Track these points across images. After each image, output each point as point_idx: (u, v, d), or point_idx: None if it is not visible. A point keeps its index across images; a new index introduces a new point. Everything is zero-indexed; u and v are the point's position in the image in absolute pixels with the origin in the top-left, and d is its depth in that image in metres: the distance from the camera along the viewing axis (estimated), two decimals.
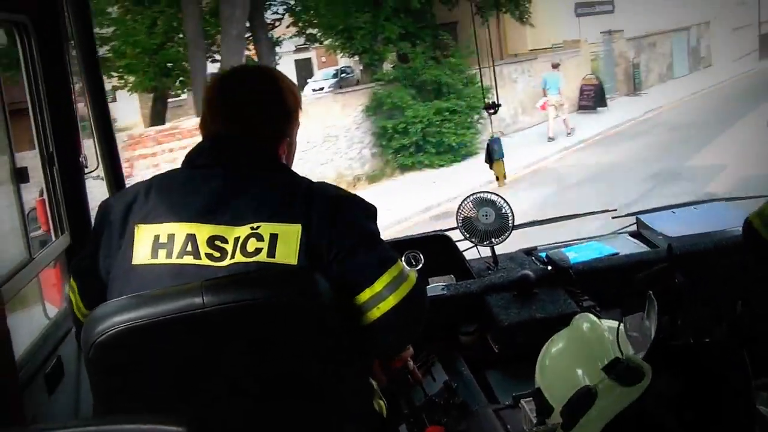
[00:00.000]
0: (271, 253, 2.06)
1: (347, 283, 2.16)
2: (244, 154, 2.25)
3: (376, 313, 2.18)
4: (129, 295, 2.05)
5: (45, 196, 3.37)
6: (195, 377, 2.04)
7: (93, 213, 3.45)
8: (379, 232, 2.27)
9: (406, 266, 2.34)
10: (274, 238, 2.07)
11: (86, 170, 3.45)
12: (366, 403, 2.43)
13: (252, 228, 2.08)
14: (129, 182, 3.34)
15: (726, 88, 29.98)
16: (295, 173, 2.30)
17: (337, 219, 2.16)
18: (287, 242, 2.08)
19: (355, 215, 2.24)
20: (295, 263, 2.07)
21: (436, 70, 21.48)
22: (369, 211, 2.28)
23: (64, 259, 3.38)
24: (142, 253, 2.11)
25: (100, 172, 3.54)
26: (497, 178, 4.41)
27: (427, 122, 20.54)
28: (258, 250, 2.07)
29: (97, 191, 3.47)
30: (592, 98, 26.69)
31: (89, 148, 3.50)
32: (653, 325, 2.04)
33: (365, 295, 2.17)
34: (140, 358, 2.03)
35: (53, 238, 3.35)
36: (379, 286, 2.18)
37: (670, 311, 2.07)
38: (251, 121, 2.28)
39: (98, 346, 2.00)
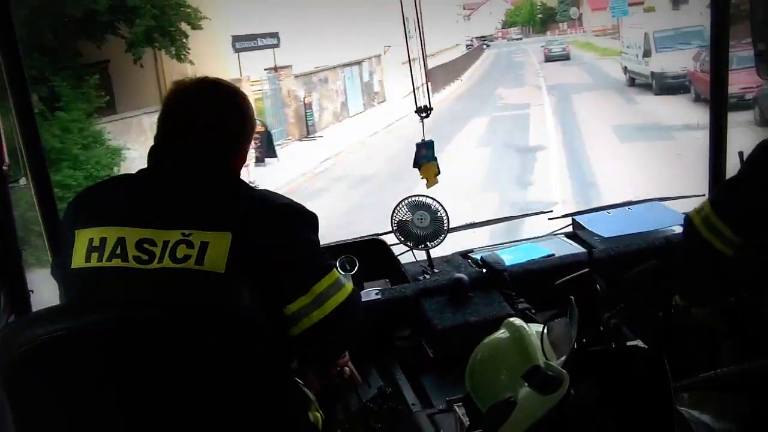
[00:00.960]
0: (200, 260, 2.06)
1: (281, 291, 2.16)
2: (186, 159, 2.26)
3: (308, 322, 2.18)
4: (47, 307, 2.04)
5: None
6: (113, 393, 2.00)
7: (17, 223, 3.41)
8: (318, 241, 2.28)
9: (342, 276, 2.33)
10: (204, 245, 2.07)
11: (10, 180, 3.36)
12: (301, 416, 2.41)
13: (183, 234, 2.09)
14: None
15: (404, 128, 25.12)
16: (240, 180, 2.31)
17: (276, 228, 2.18)
18: (216, 250, 2.07)
19: (294, 224, 2.24)
20: (223, 271, 2.06)
21: (43, 131, 14.81)
22: (310, 220, 2.29)
23: None
24: (78, 256, 2.14)
25: (25, 180, 3.45)
26: (427, 180, 4.39)
27: None
28: (187, 257, 2.07)
29: None
30: (259, 148, 22.67)
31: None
32: (574, 331, 2.04)
33: (299, 303, 2.17)
34: (58, 374, 1.98)
35: None
36: (313, 294, 2.18)
37: (591, 316, 2.07)
38: (205, 128, 2.29)
39: (13, 362, 1.96)
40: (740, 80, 21.57)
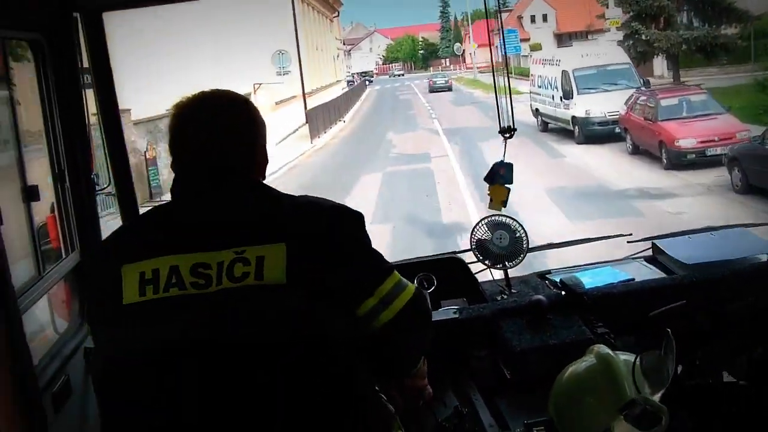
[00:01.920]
0: (259, 275, 2.04)
1: (346, 296, 2.13)
2: (219, 180, 2.21)
3: (377, 324, 2.16)
4: (140, 323, 2.05)
5: (56, 212, 3.36)
6: (208, 411, 2.02)
7: (104, 230, 3.47)
8: (370, 241, 2.26)
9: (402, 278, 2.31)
10: (260, 260, 2.05)
11: (98, 188, 3.43)
12: (385, 430, 2.40)
13: (236, 252, 2.06)
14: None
15: (281, 184, 19.95)
16: (273, 189, 2.27)
17: (328, 232, 2.15)
18: (274, 262, 2.05)
19: (346, 226, 2.22)
20: (284, 281, 2.04)
21: None
22: (358, 221, 2.27)
23: (74, 276, 3.36)
24: (130, 292, 2.08)
25: (112, 188, 3.52)
26: (491, 200, 4.34)
27: None
28: (245, 274, 2.04)
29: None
30: None
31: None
32: (671, 365, 2.00)
33: (366, 305, 2.14)
34: (147, 385, 2.02)
35: (64, 255, 3.34)
36: (382, 292, 2.16)
37: (689, 350, 2.03)
38: (217, 145, 2.24)
39: (104, 371, 2.02)
40: (698, 131, 20.46)
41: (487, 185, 4.38)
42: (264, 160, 2.35)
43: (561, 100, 28.61)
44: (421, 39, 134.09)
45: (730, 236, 4.71)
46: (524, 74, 57.82)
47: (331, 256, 2.12)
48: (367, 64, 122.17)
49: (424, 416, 3.29)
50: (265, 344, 2.00)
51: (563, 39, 66.50)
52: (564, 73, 28.68)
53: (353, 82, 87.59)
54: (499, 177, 4.34)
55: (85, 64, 3.37)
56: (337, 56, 73.01)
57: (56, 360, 3.00)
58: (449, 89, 65.43)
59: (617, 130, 25.04)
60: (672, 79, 35.03)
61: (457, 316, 3.91)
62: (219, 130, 2.25)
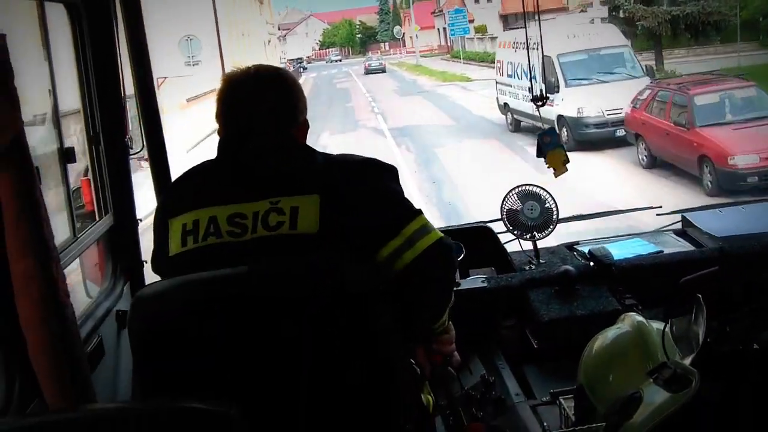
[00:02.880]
0: (293, 225, 2.12)
1: (372, 237, 2.18)
2: (257, 141, 2.29)
3: (400, 263, 2.19)
4: (171, 279, 2.11)
5: (90, 175, 3.39)
6: (239, 360, 2.06)
7: (136, 194, 3.51)
8: (402, 191, 2.31)
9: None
10: (294, 210, 2.13)
11: (131, 151, 3.46)
12: (415, 396, 2.43)
13: (271, 203, 2.14)
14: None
15: None
16: (312, 148, 2.35)
17: (360, 181, 2.23)
18: (307, 212, 2.13)
19: (377, 175, 2.29)
20: (316, 232, 2.11)
21: None
22: (391, 172, 2.33)
23: (107, 239, 3.39)
24: (174, 244, 2.19)
25: (145, 153, 3.54)
26: (554, 169, 4.33)
27: None
28: (280, 224, 2.12)
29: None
30: None
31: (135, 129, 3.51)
32: (701, 330, 2.00)
33: (390, 246, 2.19)
34: (182, 340, 2.06)
35: (97, 218, 3.37)
36: (406, 234, 2.20)
37: (719, 316, 2.02)
38: (264, 111, 2.32)
39: (143, 326, 2.06)
40: (760, 144, 13.86)
41: (543, 159, 4.38)
42: (306, 128, 2.42)
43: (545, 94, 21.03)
44: (358, 23, 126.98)
45: (760, 210, 4.68)
46: (471, 59, 55.94)
47: (361, 203, 2.19)
48: (303, 50, 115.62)
49: (450, 384, 3.31)
50: (291, 298, 2.05)
51: (509, 20, 60.65)
52: (546, 59, 17.86)
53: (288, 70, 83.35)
54: (547, 145, 4.34)
55: (121, 30, 3.40)
56: (269, 42, 65.48)
57: (89, 321, 3.04)
58: (383, 71, 64.32)
59: (619, 133, 18.97)
60: (654, 63, 29.53)
61: (485, 285, 3.92)
62: (262, 98, 2.33)
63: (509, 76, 24.01)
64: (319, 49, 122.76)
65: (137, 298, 2.09)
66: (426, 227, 2.25)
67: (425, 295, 2.37)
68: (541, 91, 4.38)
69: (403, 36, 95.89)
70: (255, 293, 2.06)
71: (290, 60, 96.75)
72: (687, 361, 1.97)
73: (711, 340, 2.01)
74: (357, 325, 2.08)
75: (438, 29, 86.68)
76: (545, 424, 3.14)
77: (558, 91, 20.26)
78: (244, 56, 37.23)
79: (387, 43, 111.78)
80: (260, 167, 2.25)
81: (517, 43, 22.86)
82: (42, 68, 3.01)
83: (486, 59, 50.63)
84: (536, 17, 4.62)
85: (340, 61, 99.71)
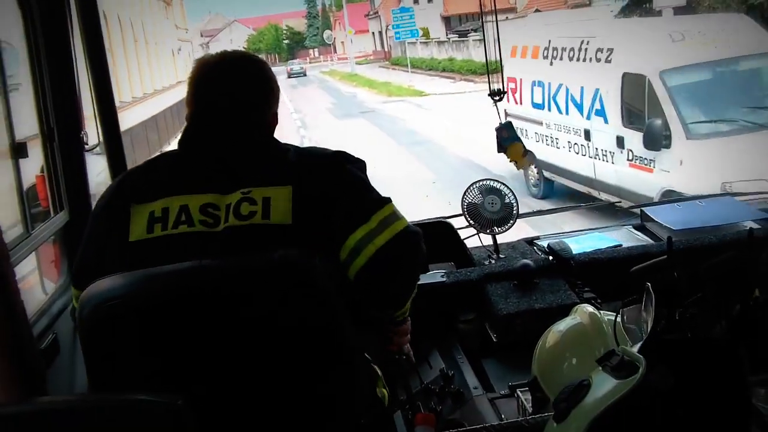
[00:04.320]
0: (266, 214, 2.12)
1: (345, 221, 2.20)
2: (229, 126, 2.29)
3: (371, 248, 2.20)
4: (122, 273, 2.06)
5: (44, 172, 3.35)
6: (191, 354, 2.04)
7: (93, 190, 3.48)
8: (369, 181, 2.34)
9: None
10: (266, 201, 2.13)
11: (87, 146, 3.43)
12: (370, 390, 2.44)
13: (243, 193, 2.14)
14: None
15: None
16: (281, 142, 2.36)
17: (331, 172, 2.25)
18: (280, 203, 2.13)
19: (345, 166, 2.30)
20: (290, 222, 2.12)
21: None
22: (359, 163, 2.35)
23: (62, 235, 3.37)
24: (137, 230, 2.15)
25: (101, 149, 3.52)
26: (516, 162, 4.35)
27: None
28: (252, 213, 2.12)
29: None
30: None
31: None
32: (650, 318, 2.01)
33: (361, 231, 2.20)
34: (133, 335, 2.03)
35: (52, 214, 3.34)
36: (376, 219, 2.22)
37: (668, 305, 2.04)
38: (235, 99, 2.31)
39: (92, 323, 2.02)
40: None
41: (503, 154, 4.39)
42: (274, 122, 2.42)
43: (629, 153, 11.00)
44: (285, 27, 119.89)
45: (718, 204, 4.74)
46: (417, 66, 48.10)
47: (332, 193, 2.21)
48: None
49: (409, 378, 3.32)
50: (249, 293, 2.03)
51: (451, 23, 55.73)
52: (634, 79, 11.03)
53: None
54: (506, 140, 4.37)
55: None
56: (179, 50, 53.55)
57: (44, 318, 3.01)
58: (304, 74, 65.25)
59: None
60: None
61: (444, 279, 3.93)
62: (236, 84, 2.33)
63: (537, 106, 13.66)
64: None
65: (85, 295, 2.03)
66: (395, 214, 2.29)
67: (393, 280, 2.38)
68: (499, 89, 4.34)
69: (334, 41, 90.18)
70: (211, 288, 2.03)
71: None
72: (635, 349, 1.98)
73: (660, 329, 2.02)
74: (318, 318, 2.07)
75: (373, 33, 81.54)
76: (502, 415, 3.16)
77: (666, 148, 10.20)
78: (144, 66, 31.55)
79: (316, 49, 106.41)
80: (232, 159, 2.24)
81: (556, 50, 13.08)
82: None
83: (435, 67, 47.23)
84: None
85: None
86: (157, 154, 2.42)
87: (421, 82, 41.73)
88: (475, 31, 48.14)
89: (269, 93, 2.39)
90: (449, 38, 48.84)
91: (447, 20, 59.22)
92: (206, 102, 2.32)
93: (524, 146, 4.34)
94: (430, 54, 51.42)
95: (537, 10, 40.36)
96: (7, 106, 3.05)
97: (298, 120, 28.91)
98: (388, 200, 2.30)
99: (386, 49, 72.84)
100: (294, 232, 2.12)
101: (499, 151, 4.43)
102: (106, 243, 2.22)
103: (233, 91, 2.31)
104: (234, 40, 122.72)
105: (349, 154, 2.37)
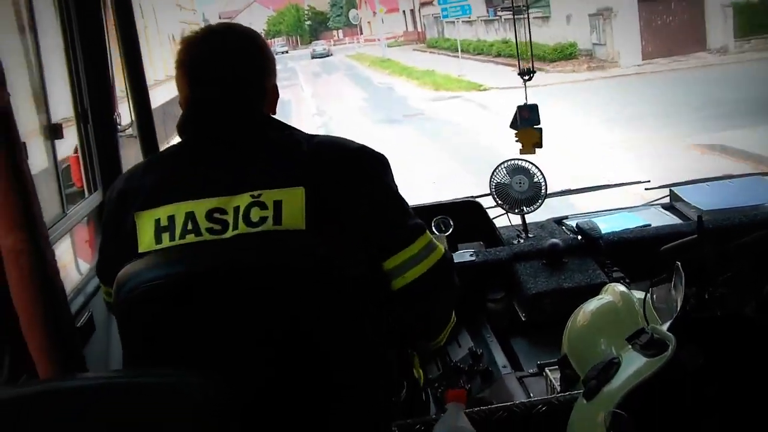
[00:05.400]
0: (278, 220, 2.00)
1: (380, 243, 2.11)
2: (230, 117, 2.17)
3: (401, 282, 2.14)
4: (154, 252, 2.06)
5: (78, 152, 3.40)
6: (220, 334, 2.06)
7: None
8: (397, 188, 2.21)
9: (434, 237, 2.30)
10: (278, 204, 2.01)
11: (120, 128, 3.47)
12: (407, 371, 2.44)
13: (253, 196, 2.02)
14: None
15: None
16: (292, 129, 2.22)
17: (354, 176, 2.12)
18: (292, 207, 2.01)
19: (374, 171, 2.18)
20: (303, 227, 2.01)
21: None
22: (385, 165, 2.21)
23: (96, 215, 3.41)
24: (146, 240, 2.08)
25: (134, 130, 3.56)
26: (522, 146, 4.30)
27: None
28: (263, 219, 2.01)
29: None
30: None
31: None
32: (679, 297, 2.02)
33: (394, 260, 2.12)
34: (166, 315, 2.07)
35: (86, 195, 3.39)
36: (409, 253, 2.13)
37: (698, 283, 2.05)
38: (230, 78, 2.19)
39: (127, 303, 2.04)
40: None
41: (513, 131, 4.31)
42: (275, 95, 2.30)
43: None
44: (307, 8, 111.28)
45: (747, 184, 4.71)
46: (462, 50, 39.34)
47: (355, 203, 2.09)
48: None
49: (438, 356, 3.34)
50: (288, 268, 2.00)
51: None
52: None
53: None
54: (524, 121, 4.30)
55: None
56: (182, 35, 32.40)
57: (80, 297, 3.06)
58: (328, 55, 62.16)
59: None
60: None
61: (473, 258, 3.95)
62: (231, 62, 2.20)
63: None
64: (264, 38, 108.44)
65: (120, 277, 2.04)
66: (431, 243, 2.19)
67: (428, 311, 2.34)
68: (528, 68, 4.30)
69: (360, 21, 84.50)
70: (244, 264, 2.02)
71: None
72: (665, 327, 2.00)
73: (689, 307, 2.03)
74: (344, 304, 2.07)
75: (403, 12, 73.37)
76: (531, 394, 3.18)
77: None
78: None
79: (341, 31, 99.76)
80: (237, 155, 2.12)
81: None
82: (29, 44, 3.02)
83: (485, 50, 40.07)
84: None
85: (287, 52, 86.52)
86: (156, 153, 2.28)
87: (472, 70, 34.30)
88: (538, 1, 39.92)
89: (265, 65, 2.26)
90: (500, 15, 39.19)
91: None
92: (198, 86, 2.20)
93: (541, 138, 4.26)
94: (475, 35, 44.10)
95: None
96: (43, 88, 3.09)
97: (322, 126, 23.20)
98: (423, 229, 2.19)
99: (420, 30, 67.11)
100: (308, 237, 2.02)
101: (510, 126, 4.34)
102: (119, 248, 2.14)
103: (225, 73, 2.18)
104: (253, 23, 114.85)
105: (374, 152, 2.21)
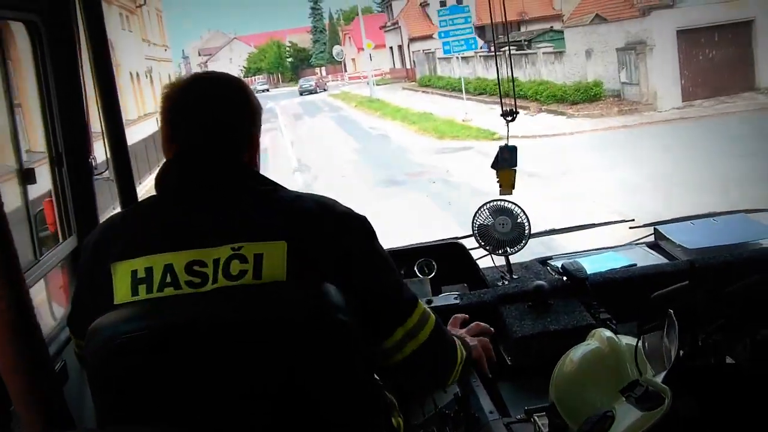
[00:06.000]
0: (257, 274, 1.98)
1: (371, 320, 2.11)
2: (212, 162, 2.15)
3: (399, 356, 2.19)
4: (130, 304, 2.01)
5: (53, 197, 3.34)
6: (200, 388, 2.00)
7: (101, 215, 3.45)
8: (387, 255, 2.21)
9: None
10: (258, 258, 1.99)
11: (96, 172, 3.42)
12: (385, 420, 2.39)
13: (233, 249, 1.99)
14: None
15: None
16: (275, 184, 2.20)
17: (336, 239, 2.09)
18: (273, 261, 1.99)
19: (359, 238, 2.17)
20: (284, 279, 1.99)
21: None
22: (369, 230, 2.20)
23: (71, 261, 3.34)
24: (122, 291, 2.03)
25: (110, 174, 3.50)
26: (500, 185, 4.32)
27: None
28: (243, 273, 1.98)
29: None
30: None
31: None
32: (673, 345, 1.98)
33: (392, 339, 2.17)
34: (139, 368, 2.00)
35: (60, 240, 3.32)
36: (405, 328, 2.18)
37: (690, 331, 2.00)
38: (212, 124, 2.18)
39: (100, 355, 1.99)
40: None
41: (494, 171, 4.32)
42: (257, 148, 2.28)
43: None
44: (288, 44, 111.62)
45: (732, 222, 4.69)
46: (453, 88, 37.58)
47: (342, 267, 2.07)
48: None
49: (423, 402, 3.27)
50: (267, 320, 1.97)
51: (485, 33, 42.70)
52: None
53: None
54: (504, 161, 4.32)
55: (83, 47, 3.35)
56: (149, 72, 43.68)
57: (53, 345, 2.99)
58: (315, 92, 61.58)
59: None
60: None
61: (458, 302, 3.89)
62: (215, 113, 2.19)
63: None
64: (245, 76, 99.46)
65: (92, 328, 1.98)
66: (425, 313, 2.24)
67: (431, 376, 2.44)
68: (510, 109, 4.31)
69: (344, 58, 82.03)
70: (225, 318, 1.97)
71: None
72: (659, 378, 1.95)
73: (683, 356, 1.99)
74: (336, 350, 2.02)
75: (390, 48, 71.43)
76: None
77: None
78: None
79: (324, 68, 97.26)
80: (220, 207, 2.09)
81: None
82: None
83: (487, 90, 35.20)
84: (509, 27, 4.57)
85: (267, 90, 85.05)
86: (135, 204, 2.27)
87: (477, 113, 29.74)
88: (554, 31, 37.74)
89: (250, 113, 2.26)
90: (503, 50, 37.01)
91: (481, 30, 45.00)
92: (181, 131, 2.19)
93: (515, 175, 4.30)
94: (473, 72, 39.62)
95: (598, 16, 33.83)
96: (14, 133, 3.04)
97: (304, 187, 18.44)
98: (416, 301, 2.23)
99: (409, 67, 64.21)
100: (292, 287, 2.00)
101: (492, 167, 4.37)
102: (94, 299, 2.10)
103: (207, 119, 2.17)
104: (234, 59, 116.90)
105: (361, 216, 2.21)
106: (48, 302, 3.53)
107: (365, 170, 21.68)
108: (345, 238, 2.11)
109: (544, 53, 34.51)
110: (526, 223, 4.24)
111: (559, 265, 4.17)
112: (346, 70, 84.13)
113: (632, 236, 4.81)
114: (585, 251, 4.68)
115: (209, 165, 2.14)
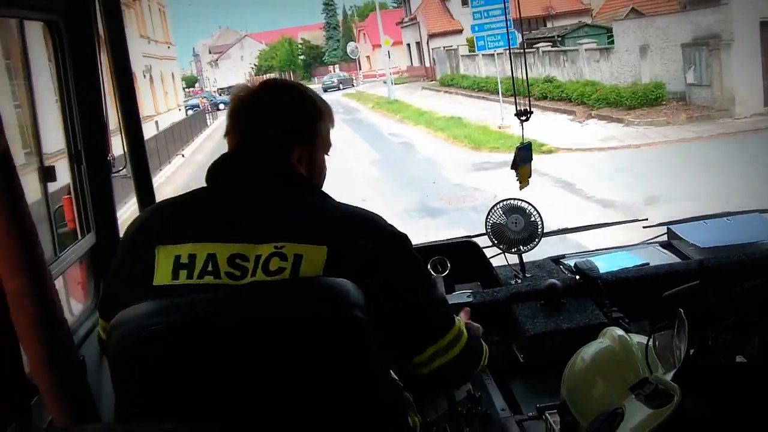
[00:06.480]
0: (295, 272, 2.02)
1: (402, 335, 2.17)
2: (264, 168, 2.22)
3: (426, 369, 2.23)
4: (153, 300, 2.03)
5: (72, 194, 3.38)
6: (223, 383, 2.02)
7: (119, 212, 3.49)
8: (427, 272, 2.29)
9: (462, 325, 2.34)
10: (298, 258, 2.03)
11: (114, 170, 3.45)
12: (402, 420, 2.40)
13: (276, 247, 2.04)
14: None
15: None
16: (325, 194, 2.27)
17: (377, 253, 2.13)
18: (312, 263, 2.03)
19: (397, 253, 2.20)
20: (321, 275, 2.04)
21: None
22: (408, 247, 2.24)
23: (90, 257, 3.38)
24: (162, 274, 2.08)
25: (128, 171, 3.54)
26: (520, 181, 4.39)
27: None
28: (281, 269, 2.03)
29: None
30: None
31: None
32: (683, 344, 1.99)
33: (423, 356, 2.21)
34: (163, 361, 2.02)
35: (79, 237, 3.36)
36: (438, 346, 2.22)
37: (701, 330, 2.02)
38: (264, 131, 2.26)
39: (122, 349, 2.01)
40: None
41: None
42: (316, 151, 2.34)
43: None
44: (300, 41, 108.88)
45: (745, 221, 4.69)
46: (484, 89, 34.28)
47: (378, 279, 2.10)
48: (235, 76, 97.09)
49: (437, 399, 3.30)
50: (286, 317, 1.99)
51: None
52: None
53: (201, 108, 62.83)
54: (522, 160, 4.38)
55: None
56: (147, 71, 41.87)
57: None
58: (338, 88, 58.98)
59: None
60: None
61: (471, 300, 3.91)
62: (270, 116, 2.27)
63: None
64: (255, 75, 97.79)
65: (116, 321, 2.01)
66: (460, 332, 2.28)
67: (454, 383, 2.65)
68: (525, 109, 4.34)
69: (359, 55, 77.75)
70: (247, 314, 2.00)
71: (221, 89, 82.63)
72: (669, 376, 1.96)
73: (693, 355, 2.00)
74: (353, 347, 2.04)
75: (408, 45, 67.60)
76: None
77: None
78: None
79: (337, 66, 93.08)
80: (269, 206, 2.15)
81: None
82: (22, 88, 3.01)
83: (520, 90, 21.61)
84: (525, 23, 4.60)
85: None
86: (186, 192, 2.34)
87: (513, 118, 14.13)
88: (591, 26, 33.62)
89: (301, 128, 2.31)
90: (537, 47, 33.78)
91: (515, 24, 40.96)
92: (240, 137, 2.28)
93: (530, 168, 4.44)
94: (501, 71, 31.54)
95: (634, 10, 30.75)
96: (36, 131, 3.08)
97: None
98: (452, 322, 2.28)
99: (428, 65, 60.04)
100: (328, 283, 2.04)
101: (511, 168, 4.44)
102: (131, 280, 2.15)
103: (265, 122, 2.26)
104: (245, 57, 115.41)
105: (399, 234, 2.24)
106: (66, 298, 3.56)
107: (389, 191, 18.21)
108: (384, 252, 2.15)
109: (586, 50, 30.55)
110: (539, 222, 4.26)
111: (572, 264, 4.18)
112: (360, 68, 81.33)
113: (646, 235, 4.82)
114: (598, 250, 4.69)
115: (260, 163, 2.22)
